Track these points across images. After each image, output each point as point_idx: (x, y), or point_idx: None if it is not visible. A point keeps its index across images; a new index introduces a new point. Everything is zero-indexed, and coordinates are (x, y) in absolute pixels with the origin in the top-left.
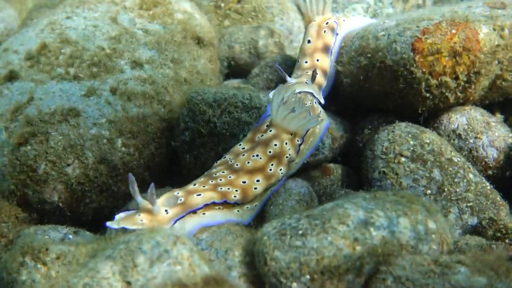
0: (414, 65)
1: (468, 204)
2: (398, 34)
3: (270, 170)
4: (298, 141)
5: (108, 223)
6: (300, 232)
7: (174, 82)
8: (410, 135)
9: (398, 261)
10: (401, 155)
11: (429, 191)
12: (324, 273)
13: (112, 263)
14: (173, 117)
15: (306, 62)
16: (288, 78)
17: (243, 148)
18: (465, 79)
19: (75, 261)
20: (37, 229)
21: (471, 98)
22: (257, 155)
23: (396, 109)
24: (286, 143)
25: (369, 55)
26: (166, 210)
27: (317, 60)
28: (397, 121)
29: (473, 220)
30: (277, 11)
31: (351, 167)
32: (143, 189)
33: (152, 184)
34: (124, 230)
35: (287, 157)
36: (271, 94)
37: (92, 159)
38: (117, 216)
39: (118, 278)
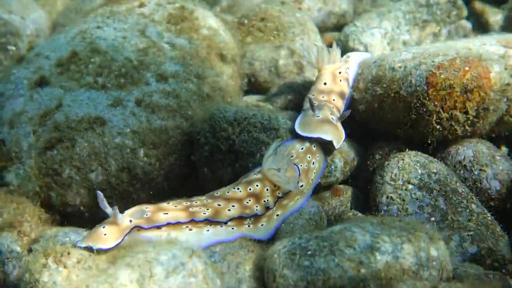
0: (427, 98)
1: (469, 233)
2: (414, 67)
3: (247, 203)
4: (279, 194)
5: (78, 244)
6: (309, 252)
7: (196, 97)
8: (418, 164)
9: (400, 286)
10: (409, 183)
11: (433, 218)
12: None
13: (130, 271)
14: (194, 131)
15: (323, 97)
16: (314, 114)
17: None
18: (474, 114)
19: (95, 266)
20: (59, 231)
21: (478, 132)
22: (238, 189)
23: (407, 137)
24: (267, 189)
25: (384, 85)
26: (130, 220)
27: (333, 99)
28: (407, 149)
29: (473, 249)
30: (298, 31)
31: (360, 190)
32: (160, 198)
33: (115, 207)
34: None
35: (264, 201)
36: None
37: (115, 166)
38: (84, 235)
39: (136, 285)
